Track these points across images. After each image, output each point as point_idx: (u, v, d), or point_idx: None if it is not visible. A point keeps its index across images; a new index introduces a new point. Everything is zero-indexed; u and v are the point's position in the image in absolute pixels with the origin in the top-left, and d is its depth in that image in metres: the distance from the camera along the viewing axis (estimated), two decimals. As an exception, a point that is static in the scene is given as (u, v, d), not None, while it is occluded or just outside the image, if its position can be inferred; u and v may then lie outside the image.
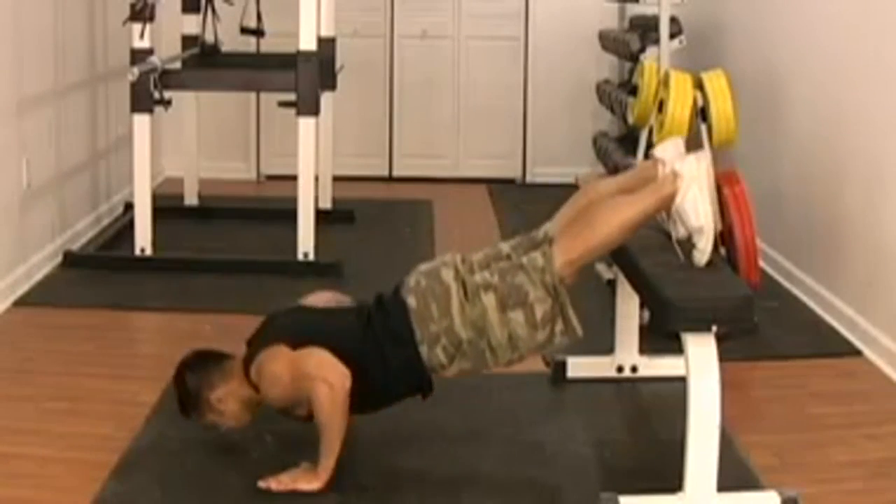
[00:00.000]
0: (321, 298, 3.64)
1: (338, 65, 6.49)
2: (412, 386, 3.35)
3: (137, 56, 5.33)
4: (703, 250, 3.25)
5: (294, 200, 5.47)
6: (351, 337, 3.30)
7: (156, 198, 5.65)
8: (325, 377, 3.16)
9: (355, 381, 3.20)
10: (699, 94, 4.68)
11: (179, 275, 5.32)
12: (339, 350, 3.24)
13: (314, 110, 5.51)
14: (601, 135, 6.92)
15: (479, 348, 3.24)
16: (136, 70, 5.22)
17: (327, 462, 3.18)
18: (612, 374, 4.06)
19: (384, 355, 3.27)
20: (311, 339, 3.28)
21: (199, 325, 4.61)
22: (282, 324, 3.44)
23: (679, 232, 3.31)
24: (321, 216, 5.83)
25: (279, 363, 3.24)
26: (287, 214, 5.57)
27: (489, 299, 3.22)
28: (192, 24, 6.35)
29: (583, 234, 3.26)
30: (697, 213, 3.22)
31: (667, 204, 3.27)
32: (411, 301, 3.28)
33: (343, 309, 3.52)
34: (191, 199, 6.68)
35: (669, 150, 3.36)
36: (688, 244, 3.30)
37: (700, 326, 3.03)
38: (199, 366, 3.40)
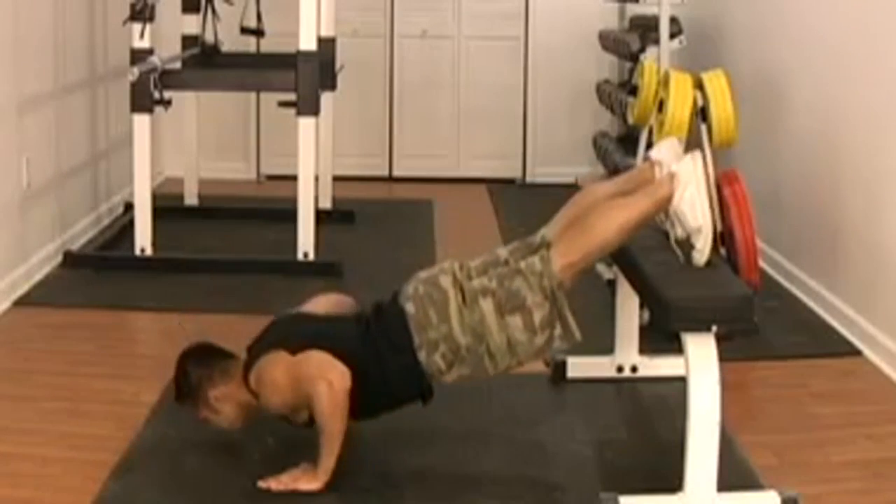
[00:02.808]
0: (327, 301, 3.63)
1: (338, 65, 6.49)
2: (412, 392, 3.34)
3: (137, 56, 5.33)
4: (702, 250, 3.26)
5: (294, 200, 5.47)
6: (350, 344, 3.30)
7: (156, 198, 5.65)
8: (325, 375, 3.16)
9: (355, 387, 3.20)
10: (699, 94, 4.67)
11: (179, 275, 5.32)
12: (338, 357, 3.24)
13: (314, 110, 5.51)
14: (601, 135, 6.92)
15: (478, 354, 3.24)
16: (136, 70, 5.22)
17: (327, 462, 3.18)
18: (612, 374, 4.06)
19: (383, 362, 3.27)
20: (310, 346, 3.28)
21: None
22: (282, 331, 3.44)
23: (678, 233, 3.31)
24: (321, 216, 5.83)
25: (279, 369, 3.24)
26: (287, 214, 5.57)
27: (487, 304, 3.22)
28: (192, 24, 6.35)
29: (581, 237, 3.26)
30: (695, 213, 3.23)
31: (664, 206, 3.27)
32: (409, 307, 3.27)
33: (342, 317, 3.51)
34: (191, 199, 6.69)
35: (665, 152, 3.36)
36: (687, 245, 3.30)
37: (700, 326, 3.03)
38: (204, 359, 3.40)
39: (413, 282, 3.36)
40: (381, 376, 3.27)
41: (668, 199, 3.25)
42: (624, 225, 3.24)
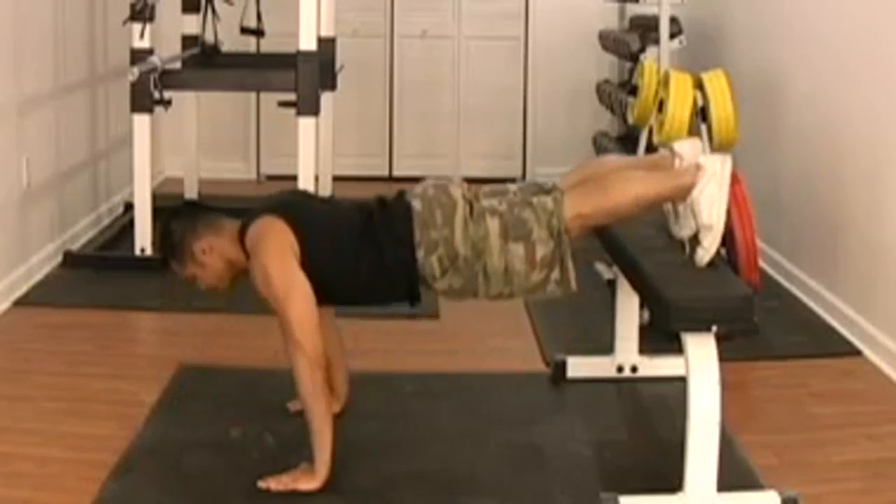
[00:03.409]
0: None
1: (338, 65, 6.49)
2: (401, 290, 3.35)
3: (137, 56, 5.33)
4: (708, 249, 3.25)
5: (294, 200, 5.46)
6: (350, 230, 3.32)
7: (156, 198, 5.66)
8: (303, 345, 3.14)
9: (348, 273, 3.25)
10: (699, 94, 4.68)
11: (179, 275, 5.31)
12: (336, 242, 3.27)
13: (314, 110, 5.51)
14: (601, 135, 6.93)
15: (474, 269, 3.26)
16: (136, 70, 5.22)
17: (321, 449, 3.16)
18: (612, 374, 4.06)
19: (381, 252, 3.28)
20: (311, 224, 3.29)
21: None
22: (286, 200, 3.48)
23: (687, 228, 3.30)
24: (321, 216, 5.82)
25: (275, 268, 3.20)
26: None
27: (493, 224, 3.24)
28: (192, 24, 6.35)
29: (596, 194, 3.28)
30: (711, 210, 3.23)
31: (683, 194, 3.27)
32: (417, 204, 3.29)
33: (344, 203, 3.52)
34: (191, 199, 6.68)
35: (688, 147, 3.36)
36: (692, 242, 3.30)
37: (700, 326, 3.03)
38: (187, 214, 3.43)
39: (422, 184, 3.39)
40: (377, 266, 3.28)
41: (689, 189, 3.25)
42: (640, 196, 3.26)
